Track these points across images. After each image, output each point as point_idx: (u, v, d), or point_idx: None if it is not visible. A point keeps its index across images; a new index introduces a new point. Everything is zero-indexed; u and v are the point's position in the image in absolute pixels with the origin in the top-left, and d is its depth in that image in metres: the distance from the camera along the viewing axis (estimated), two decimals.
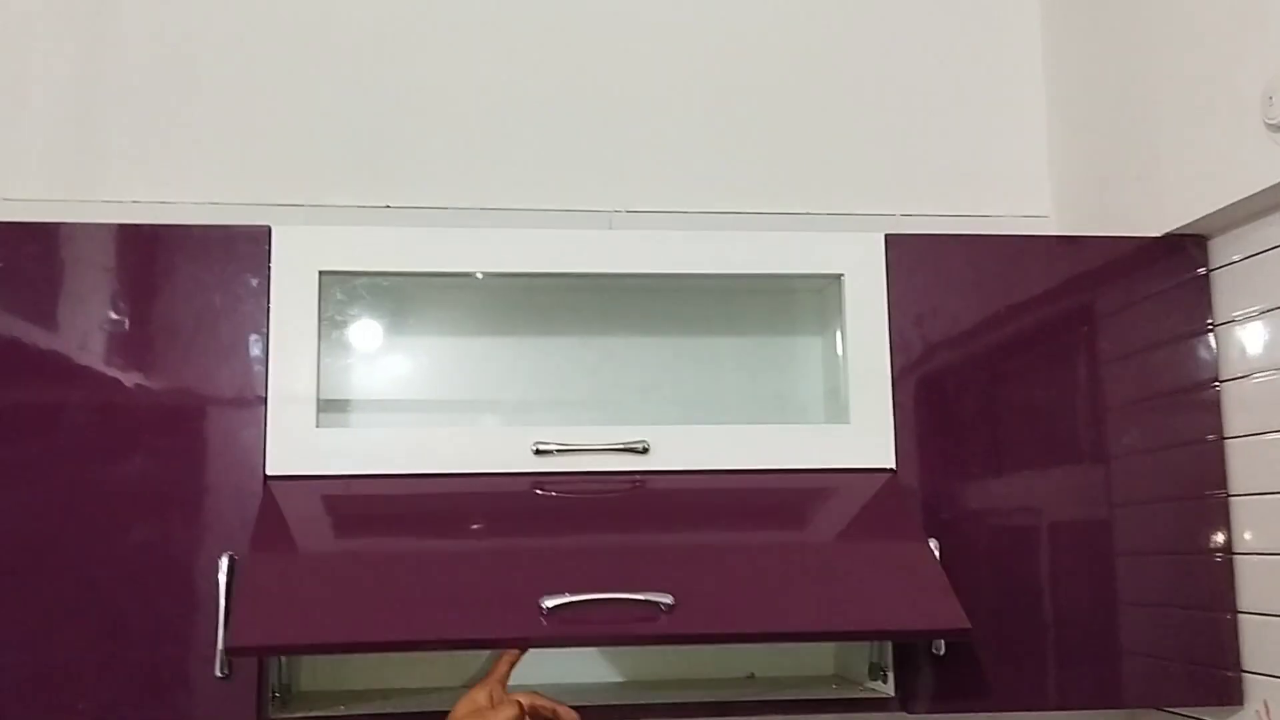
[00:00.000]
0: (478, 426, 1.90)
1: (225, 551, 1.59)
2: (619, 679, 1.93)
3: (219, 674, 1.57)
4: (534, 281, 1.84)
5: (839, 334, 1.79)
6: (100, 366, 1.64)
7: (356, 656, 1.88)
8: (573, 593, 1.46)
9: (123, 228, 1.68)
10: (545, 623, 1.45)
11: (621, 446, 1.68)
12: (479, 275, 1.75)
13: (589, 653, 1.93)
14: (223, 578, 1.58)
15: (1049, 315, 1.79)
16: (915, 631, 1.54)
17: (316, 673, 1.87)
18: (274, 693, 1.64)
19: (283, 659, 1.71)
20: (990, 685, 1.70)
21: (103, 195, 1.99)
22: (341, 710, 1.63)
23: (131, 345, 1.64)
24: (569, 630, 1.46)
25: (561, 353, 1.96)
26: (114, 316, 1.65)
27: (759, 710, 1.73)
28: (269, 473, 1.63)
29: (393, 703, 1.69)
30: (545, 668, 1.91)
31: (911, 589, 1.55)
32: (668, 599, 1.47)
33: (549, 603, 1.45)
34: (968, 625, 1.51)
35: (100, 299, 1.65)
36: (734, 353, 2.00)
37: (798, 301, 1.99)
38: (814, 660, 1.98)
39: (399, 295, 1.91)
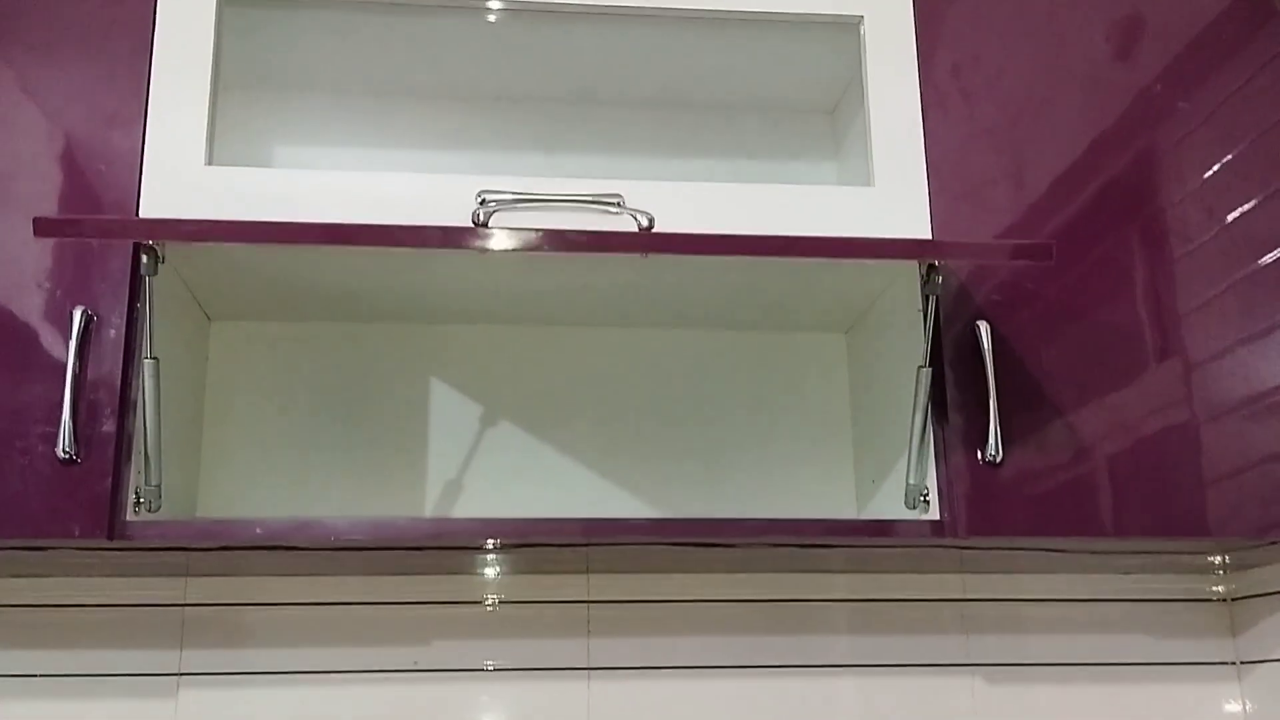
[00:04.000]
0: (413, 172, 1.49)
1: (78, 305, 1.24)
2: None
3: (63, 454, 1.20)
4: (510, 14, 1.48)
5: (862, 99, 1.46)
6: None
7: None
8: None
9: None
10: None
11: (590, 199, 1.35)
12: None
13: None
14: (73, 343, 1.22)
15: (1115, 69, 1.47)
16: (982, 247, 1.26)
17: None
18: (137, 495, 1.26)
19: (146, 447, 1.27)
20: (1049, 507, 1.34)
21: None
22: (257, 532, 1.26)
23: None
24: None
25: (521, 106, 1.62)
26: None
27: (775, 531, 1.36)
28: (144, 217, 1.28)
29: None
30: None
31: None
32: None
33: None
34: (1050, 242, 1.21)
35: None
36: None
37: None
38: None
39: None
